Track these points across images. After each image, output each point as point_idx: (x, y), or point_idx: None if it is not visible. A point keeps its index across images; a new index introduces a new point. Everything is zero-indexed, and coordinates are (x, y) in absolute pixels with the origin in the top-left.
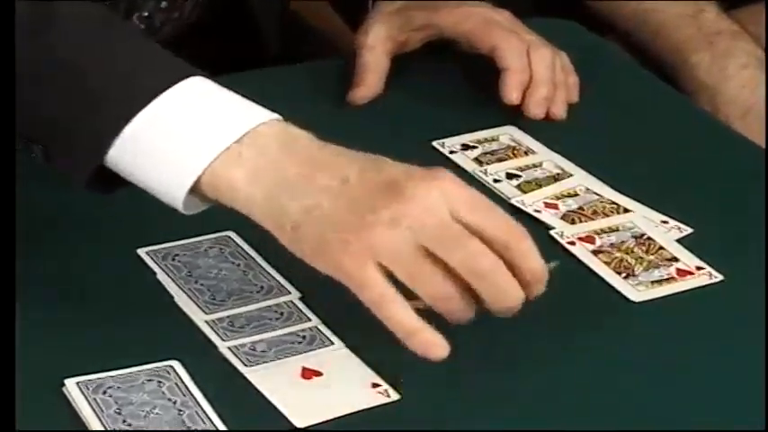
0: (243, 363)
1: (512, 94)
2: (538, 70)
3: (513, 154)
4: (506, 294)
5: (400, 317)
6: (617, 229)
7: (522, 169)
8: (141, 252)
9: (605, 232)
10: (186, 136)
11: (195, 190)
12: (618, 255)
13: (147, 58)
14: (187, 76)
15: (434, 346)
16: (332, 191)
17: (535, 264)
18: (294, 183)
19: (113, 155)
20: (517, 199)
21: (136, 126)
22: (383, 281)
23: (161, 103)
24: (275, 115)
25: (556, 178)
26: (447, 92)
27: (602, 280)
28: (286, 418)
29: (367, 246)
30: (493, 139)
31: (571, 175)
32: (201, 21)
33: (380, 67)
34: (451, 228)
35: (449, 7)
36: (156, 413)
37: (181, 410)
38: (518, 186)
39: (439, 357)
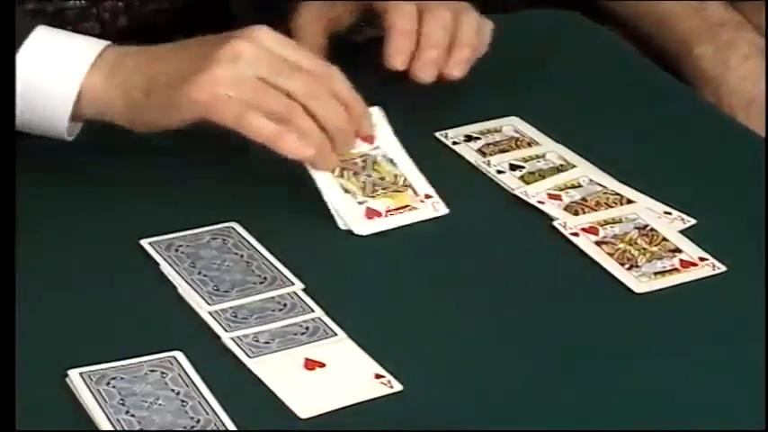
0: (246, 354)
1: (392, 59)
2: (426, 32)
3: (517, 145)
4: (336, 112)
5: (262, 125)
6: (620, 221)
7: (525, 160)
8: (144, 243)
9: (608, 223)
10: (55, 67)
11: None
12: (621, 246)
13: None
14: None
15: (301, 145)
16: (173, 54)
17: (345, 96)
18: (139, 66)
19: None
20: (520, 190)
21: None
22: (236, 101)
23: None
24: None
25: (559, 169)
26: (451, 82)
27: (606, 271)
28: (289, 409)
29: (213, 80)
30: (496, 131)
31: (574, 167)
32: (178, 8)
33: (315, 45)
34: (284, 61)
35: None
36: (160, 404)
37: (184, 401)
38: (521, 177)
39: (306, 156)
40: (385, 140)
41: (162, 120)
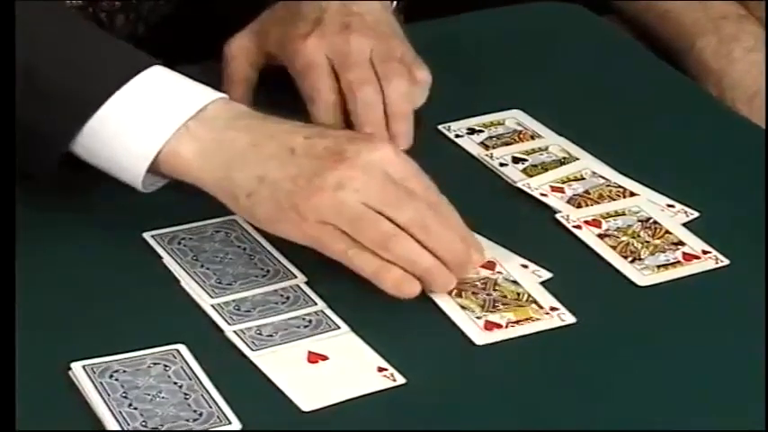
0: (249, 347)
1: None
2: (358, 112)
3: (520, 138)
4: (451, 245)
5: (364, 262)
6: (623, 213)
7: (528, 153)
8: (147, 236)
9: (611, 216)
10: (142, 122)
11: (153, 169)
12: (624, 239)
13: (104, 53)
14: (138, 69)
15: (404, 281)
16: (280, 159)
17: (459, 228)
18: (243, 154)
19: (74, 149)
20: (523, 183)
21: (93, 124)
22: (338, 235)
23: (117, 98)
24: (220, 94)
25: (562, 162)
26: (453, 75)
27: (609, 264)
28: (292, 402)
29: (316, 208)
30: (499, 123)
31: (577, 159)
32: (176, 7)
33: (243, 77)
34: (395, 188)
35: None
36: (163, 397)
37: (187, 394)
38: (524, 170)
39: (411, 294)
40: (507, 264)
41: (254, 221)
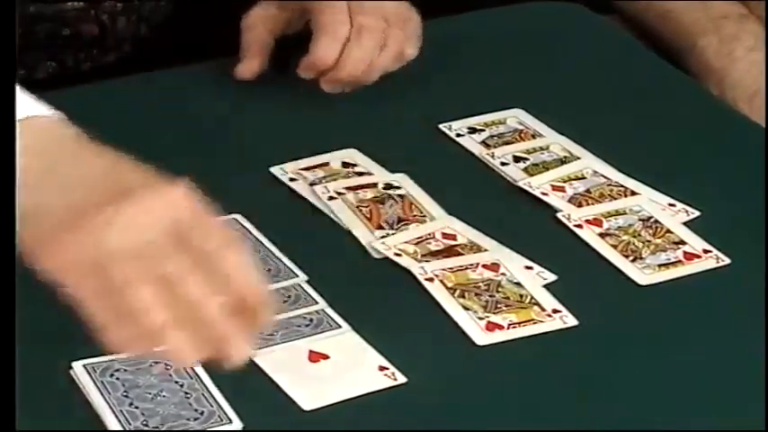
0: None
1: (302, 72)
2: (350, 60)
3: (521, 137)
4: (201, 305)
5: (101, 309)
6: (624, 213)
7: (529, 152)
8: None
9: (612, 215)
10: None
11: None
12: (625, 238)
13: None
14: None
15: (130, 343)
16: (65, 186)
17: (243, 279)
18: (37, 177)
19: None
20: (524, 182)
21: None
22: (89, 275)
23: None
24: (48, 112)
25: (563, 161)
26: (454, 74)
27: (609, 263)
28: (293, 401)
29: (77, 242)
30: (500, 122)
31: (578, 158)
32: (177, 7)
33: (261, 44)
34: (165, 238)
35: None
36: (164, 396)
37: (188, 393)
38: (525, 169)
39: (136, 352)
40: (510, 265)
41: (27, 254)
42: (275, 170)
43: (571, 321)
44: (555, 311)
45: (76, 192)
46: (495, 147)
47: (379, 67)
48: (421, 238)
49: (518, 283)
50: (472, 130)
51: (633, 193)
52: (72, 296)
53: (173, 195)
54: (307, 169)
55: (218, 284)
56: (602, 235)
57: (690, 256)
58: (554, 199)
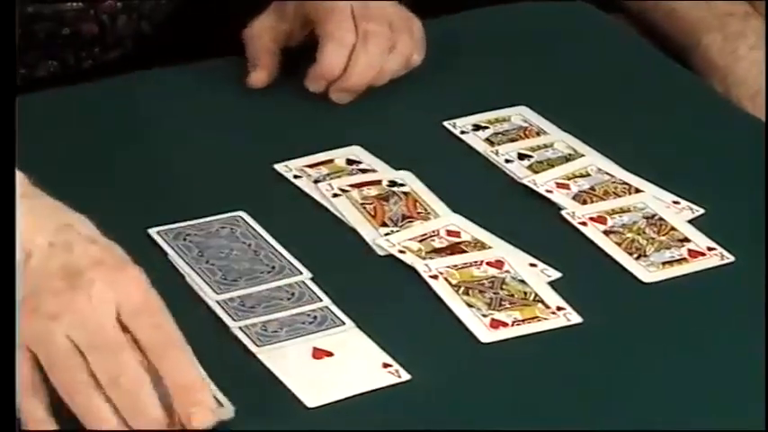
0: (254, 342)
1: (311, 85)
2: (355, 71)
3: (525, 134)
4: (142, 410)
5: (37, 406)
6: (628, 210)
7: (533, 150)
8: (152, 232)
9: (617, 213)
10: None
11: None
12: (629, 235)
13: None
14: None
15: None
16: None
17: (185, 377)
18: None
19: None
20: (529, 179)
21: None
22: (34, 366)
23: None
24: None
25: (567, 159)
26: (458, 72)
27: (614, 260)
28: (297, 398)
29: (23, 332)
30: (504, 120)
31: (583, 156)
32: (177, 6)
33: (269, 52)
34: (108, 334)
35: None
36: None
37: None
38: (529, 167)
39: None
40: (515, 262)
41: None
42: (279, 167)
43: (575, 319)
44: (559, 309)
45: (24, 270)
46: (499, 144)
47: (388, 73)
48: (425, 235)
49: (522, 281)
50: (476, 128)
51: (637, 191)
52: (19, 379)
53: (124, 281)
54: (311, 166)
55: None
56: (606, 232)
57: (694, 254)
58: (558, 196)
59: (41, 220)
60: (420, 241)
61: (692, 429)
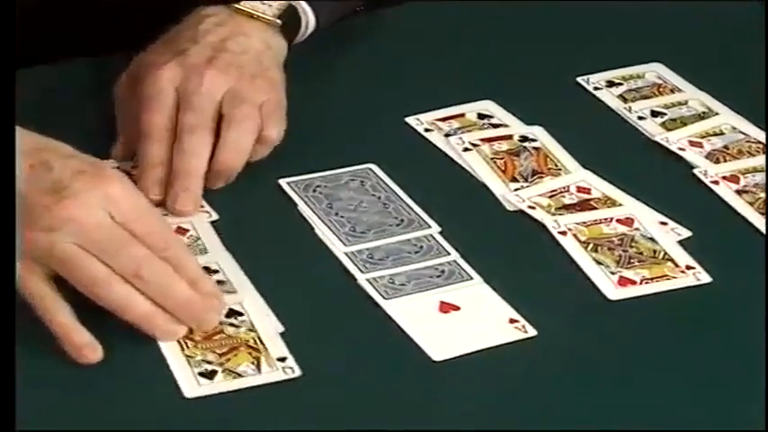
0: (381, 295)
1: (148, 192)
2: (175, 162)
3: (659, 91)
4: (172, 294)
5: (57, 319)
6: (762, 170)
7: (667, 107)
8: (283, 182)
9: (750, 172)
10: None
11: None
12: (762, 195)
13: None
14: None
15: (84, 347)
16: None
17: (192, 273)
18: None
19: None
20: (661, 137)
21: None
22: (39, 284)
23: None
24: None
25: (701, 116)
26: (593, 26)
27: (746, 220)
28: (423, 351)
29: (27, 248)
30: (638, 76)
31: (717, 114)
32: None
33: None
34: (111, 232)
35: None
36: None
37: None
38: (662, 124)
39: (91, 360)
40: (645, 220)
41: None
42: (411, 120)
43: (705, 278)
44: (689, 268)
45: (27, 198)
46: (632, 101)
47: (228, 152)
48: (555, 191)
49: (652, 239)
50: (610, 84)
51: None
52: (31, 296)
53: (108, 187)
54: (442, 120)
55: (169, 278)
56: (739, 192)
57: None
58: (691, 154)
59: (28, 144)
60: (550, 197)
61: (692, 429)
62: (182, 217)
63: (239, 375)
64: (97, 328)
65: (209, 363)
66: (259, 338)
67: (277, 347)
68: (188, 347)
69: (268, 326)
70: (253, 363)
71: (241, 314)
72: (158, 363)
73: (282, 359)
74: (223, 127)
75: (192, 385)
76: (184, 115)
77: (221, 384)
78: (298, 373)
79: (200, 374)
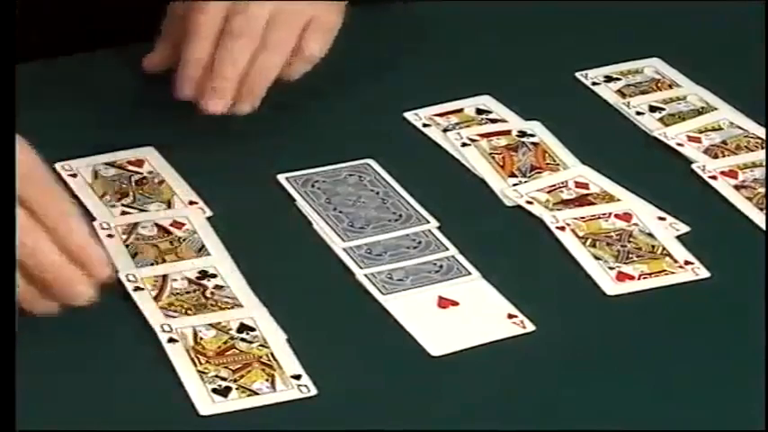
0: (379, 290)
1: (180, 90)
2: (219, 59)
3: (657, 87)
4: (43, 261)
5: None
6: (760, 165)
7: (665, 102)
8: (281, 178)
9: (748, 167)
10: None
11: None
12: (761, 190)
13: None
14: None
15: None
16: None
17: (78, 241)
18: None
19: None
20: (659, 132)
21: None
22: None
23: None
24: None
25: (700, 112)
26: (589, 21)
27: (744, 215)
28: (421, 347)
29: None
30: (637, 72)
31: (715, 109)
32: None
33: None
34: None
35: None
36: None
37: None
38: (661, 119)
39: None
40: (643, 215)
41: None
42: (409, 115)
43: (703, 273)
44: (687, 263)
45: None
46: (630, 96)
47: (258, 72)
48: (554, 186)
49: (650, 234)
50: (608, 79)
51: None
52: None
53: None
54: (440, 115)
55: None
56: (737, 187)
57: None
58: (689, 150)
59: None
60: (548, 192)
61: (692, 429)
62: (212, 113)
63: (254, 393)
64: (107, 341)
65: (222, 379)
66: (272, 355)
67: (291, 364)
68: (200, 363)
69: (280, 340)
70: (267, 380)
71: (253, 329)
72: (172, 379)
73: (297, 377)
74: (260, 48)
75: (206, 402)
76: (234, 18)
77: (236, 402)
78: (313, 391)
79: (214, 391)
